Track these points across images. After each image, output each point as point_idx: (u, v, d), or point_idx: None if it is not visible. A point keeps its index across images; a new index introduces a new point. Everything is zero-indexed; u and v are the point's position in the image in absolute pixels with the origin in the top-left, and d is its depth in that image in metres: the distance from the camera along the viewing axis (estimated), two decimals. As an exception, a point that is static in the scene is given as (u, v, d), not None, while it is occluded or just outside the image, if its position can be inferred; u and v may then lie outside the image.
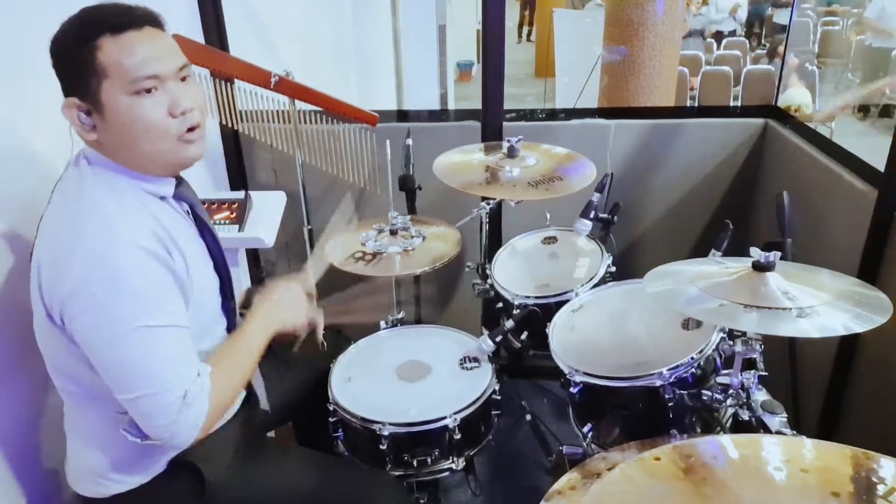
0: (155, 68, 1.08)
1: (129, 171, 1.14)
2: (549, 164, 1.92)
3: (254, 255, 2.53)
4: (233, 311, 1.34)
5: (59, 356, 1.16)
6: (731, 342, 1.33)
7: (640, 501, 0.77)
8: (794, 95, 5.48)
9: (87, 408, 1.21)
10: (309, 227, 2.26)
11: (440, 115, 3.00)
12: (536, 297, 1.75)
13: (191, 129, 1.14)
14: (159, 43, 1.10)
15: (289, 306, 1.36)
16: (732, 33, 8.23)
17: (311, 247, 2.29)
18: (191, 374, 1.11)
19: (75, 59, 1.06)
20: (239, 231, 1.85)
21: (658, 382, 1.34)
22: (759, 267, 1.21)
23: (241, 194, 1.96)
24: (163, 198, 1.19)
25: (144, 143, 1.11)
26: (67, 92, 1.09)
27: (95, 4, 1.10)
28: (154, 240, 1.10)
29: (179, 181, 1.22)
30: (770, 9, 8.64)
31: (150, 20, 1.11)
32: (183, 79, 1.14)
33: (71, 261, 1.04)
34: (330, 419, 1.55)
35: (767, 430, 1.27)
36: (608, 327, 1.59)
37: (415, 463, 1.48)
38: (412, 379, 1.61)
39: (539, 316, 1.67)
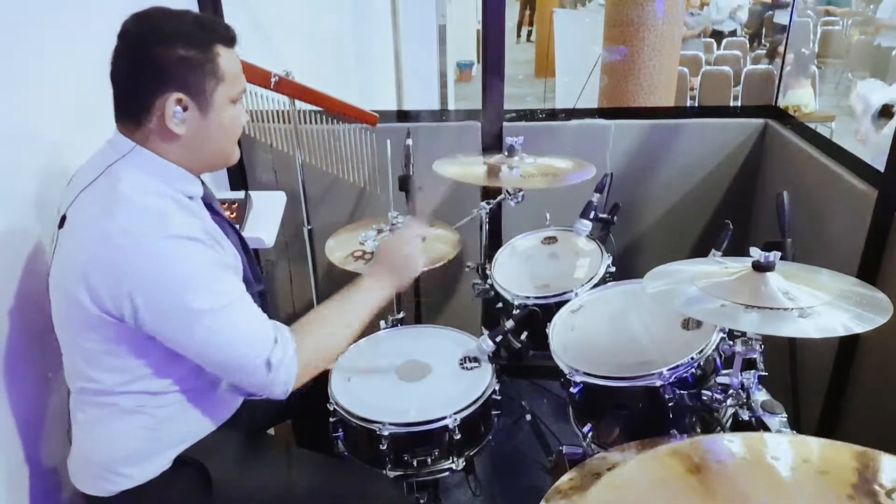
0: (244, 84, 1.24)
1: (177, 168, 1.20)
2: (549, 169, 1.92)
3: (254, 255, 2.53)
4: (256, 296, 1.35)
5: (103, 350, 1.17)
6: (731, 342, 1.33)
7: (646, 498, 0.77)
8: (796, 96, 5.49)
9: (102, 402, 1.21)
10: (309, 227, 2.26)
11: (440, 115, 2.99)
12: (536, 298, 1.75)
13: None
14: None
15: (408, 262, 1.42)
16: (733, 33, 8.24)
17: (311, 247, 2.29)
18: (265, 344, 1.17)
19: (198, 59, 1.14)
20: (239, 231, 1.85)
21: (658, 382, 1.34)
22: (760, 267, 1.21)
23: (241, 194, 1.96)
24: (191, 198, 1.23)
25: (227, 144, 1.24)
26: (172, 87, 1.12)
27: (199, 14, 1.21)
28: (201, 231, 1.16)
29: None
30: (772, 10, 8.64)
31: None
32: None
33: (131, 261, 1.08)
34: (330, 419, 1.55)
35: (767, 431, 1.27)
36: (608, 327, 1.59)
37: (415, 463, 1.48)
38: (412, 379, 1.61)
39: (539, 316, 1.67)
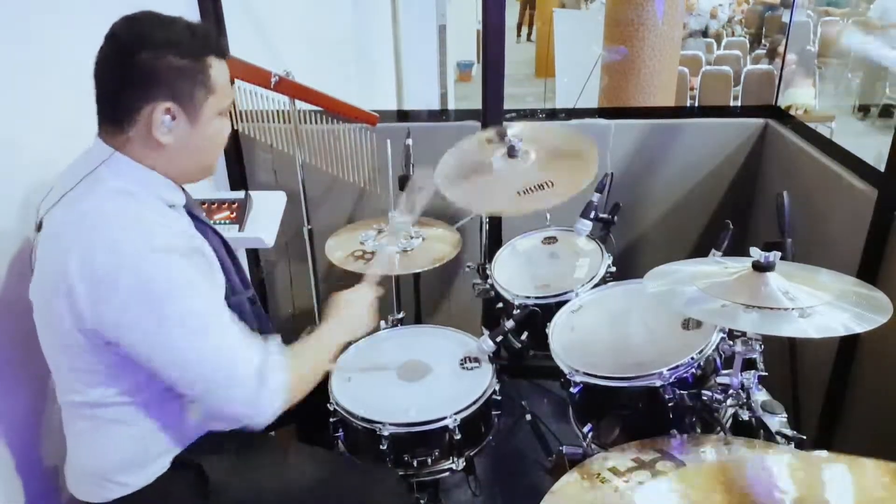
0: (233, 96, 1.25)
1: (158, 176, 1.17)
2: (548, 159, 1.90)
3: (254, 255, 2.53)
4: (245, 303, 1.36)
5: (83, 364, 1.15)
6: (731, 342, 1.33)
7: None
8: (796, 96, 5.50)
9: (89, 415, 1.20)
10: (309, 227, 2.26)
11: (440, 115, 3.00)
12: (536, 298, 1.75)
13: None
14: None
15: (359, 318, 1.42)
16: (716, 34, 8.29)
17: (311, 247, 2.29)
18: (255, 355, 1.14)
19: (189, 68, 1.12)
20: (239, 231, 1.85)
21: (658, 382, 1.34)
22: (760, 267, 1.21)
23: (241, 194, 1.96)
24: (172, 206, 1.22)
25: (210, 155, 1.24)
26: (161, 95, 1.10)
27: (191, 22, 1.15)
28: (185, 241, 1.16)
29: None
30: (776, 9, 8.65)
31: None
32: None
33: (117, 279, 1.05)
34: (330, 419, 1.56)
35: (767, 430, 1.27)
36: (608, 327, 1.59)
37: (415, 463, 1.49)
38: (412, 379, 1.61)
39: (539, 316, 1.67)
